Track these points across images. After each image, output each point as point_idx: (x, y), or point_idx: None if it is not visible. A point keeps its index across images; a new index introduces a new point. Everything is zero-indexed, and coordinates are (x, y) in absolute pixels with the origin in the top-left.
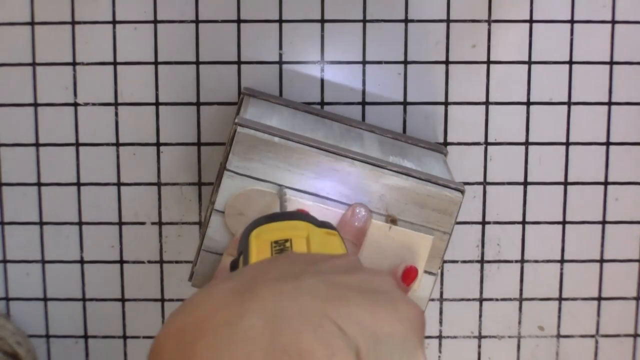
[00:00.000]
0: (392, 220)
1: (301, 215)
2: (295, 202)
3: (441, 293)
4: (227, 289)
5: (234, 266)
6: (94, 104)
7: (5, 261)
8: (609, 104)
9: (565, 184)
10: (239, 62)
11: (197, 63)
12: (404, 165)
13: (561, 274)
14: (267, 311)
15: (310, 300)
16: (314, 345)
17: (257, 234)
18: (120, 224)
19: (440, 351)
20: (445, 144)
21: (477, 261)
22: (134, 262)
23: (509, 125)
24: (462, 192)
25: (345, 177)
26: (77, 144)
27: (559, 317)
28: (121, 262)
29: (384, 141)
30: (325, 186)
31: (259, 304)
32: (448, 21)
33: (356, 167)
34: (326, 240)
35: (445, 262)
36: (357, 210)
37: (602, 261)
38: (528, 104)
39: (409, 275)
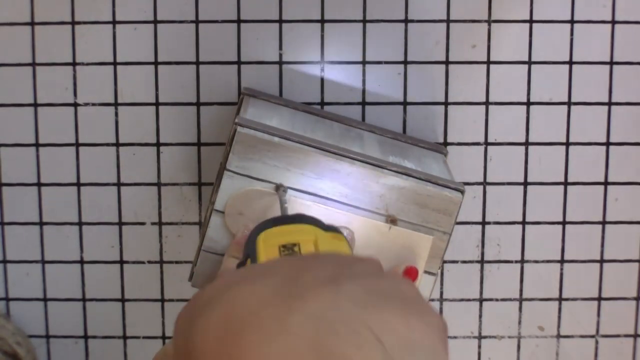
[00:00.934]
0: (392, 221)
1: (308, 219)
2: (295, 202)
3: (441, 293)
4: (269, 285)
5: (240, 267)
6: (94, 104)
7: (5, 261)
8: (609, 104)
9: (565, 184)
10: (239, 62)
11: (197, 63)
12: (404, 165)
13: (561, 274)
14: (311, 313)
15: (350, 306)
16: (355, 353)
17: (264, 238)
18: (120, 224)
19: None
20: (445, 144)
21: (477, 261)
22: (134, 262)
23: (509, 125)
24: (462, 192)
25: (345, 177)
26: (77, 144)
27: (559, 317)
28: (121, 262)
29: (383, 141)
30: (325, 186)
31: (304, 304)
32: (448, 21)
33: (356, 167)
34: (334, 245)
35: (445, 262)
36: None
37: (602, 261)
38: (528, 104)
39: (409, 276)
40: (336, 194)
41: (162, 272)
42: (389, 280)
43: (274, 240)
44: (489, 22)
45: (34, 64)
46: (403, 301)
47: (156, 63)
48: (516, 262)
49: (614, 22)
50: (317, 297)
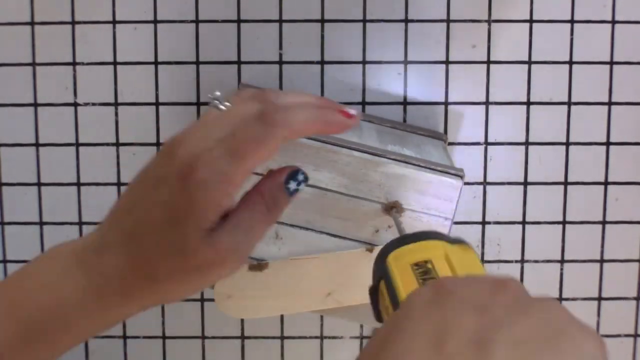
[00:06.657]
0: (396, 207)
1: (432, 234)
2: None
3: None
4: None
5: (374, 291)
6: (94, 104)
7: (5, 261)
8: (609, 104)
9: (565, 184)
10: (239, 62)
11: (197, 63)
12: (403, 153)
13: (561, 274)
14: None
15: None
16: None
17: (394, 258)
18: None
19: None
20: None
21: None
22: None
23: (509, 125)
24: (462, 177)
25: (343, 167)
26: (77, 144)
27: None
28: None
29: (382, 130)
30: (323, 177)
31: None
32: (448, 21)
33: (354, 157)
34: (465, 258)
35: None
36: None
37: (602, 261)
38: (528, 104)
39: None
40: (335, 184)
41: None
42: (535, 316)
43: (404, 259)
44: (489, 22)
45: (34, 64)
46: (555, 341)
47: (156, 63)
48: (516, 262)
49: (614, 22)
50: None
